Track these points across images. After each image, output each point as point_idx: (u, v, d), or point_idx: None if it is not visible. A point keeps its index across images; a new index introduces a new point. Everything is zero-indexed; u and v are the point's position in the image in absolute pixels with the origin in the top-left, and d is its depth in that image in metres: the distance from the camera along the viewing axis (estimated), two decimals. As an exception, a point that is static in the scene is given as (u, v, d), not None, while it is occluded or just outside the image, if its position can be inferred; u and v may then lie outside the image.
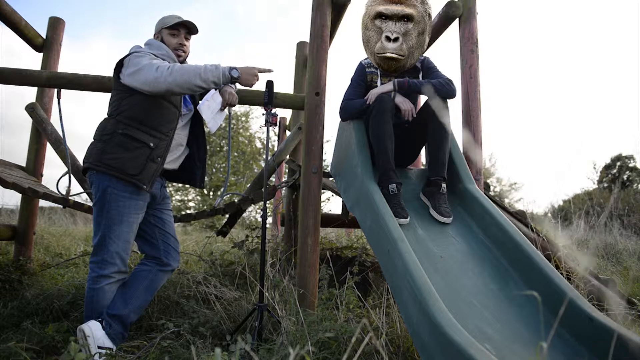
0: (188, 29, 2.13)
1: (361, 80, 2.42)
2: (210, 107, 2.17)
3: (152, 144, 1.96)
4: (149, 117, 1.97)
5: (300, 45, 4.19)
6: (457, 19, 2.85)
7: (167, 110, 2.02)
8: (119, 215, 1.92)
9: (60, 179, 2.78)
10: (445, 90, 2.22)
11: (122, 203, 1.92)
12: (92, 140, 2.02)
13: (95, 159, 1.94)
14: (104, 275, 1.91)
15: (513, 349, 1.37)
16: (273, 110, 2.26)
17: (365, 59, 2.50)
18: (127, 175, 1.91)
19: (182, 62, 2.15)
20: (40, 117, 3.42)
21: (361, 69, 2.45)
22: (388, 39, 2.29)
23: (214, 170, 15.27)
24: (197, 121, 2.25)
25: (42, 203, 4.33)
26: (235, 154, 15.27)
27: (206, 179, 15.72)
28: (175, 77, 1.86)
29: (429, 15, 2.38)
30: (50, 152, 3.53)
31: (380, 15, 2.33)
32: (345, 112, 2.39)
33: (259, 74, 2.02)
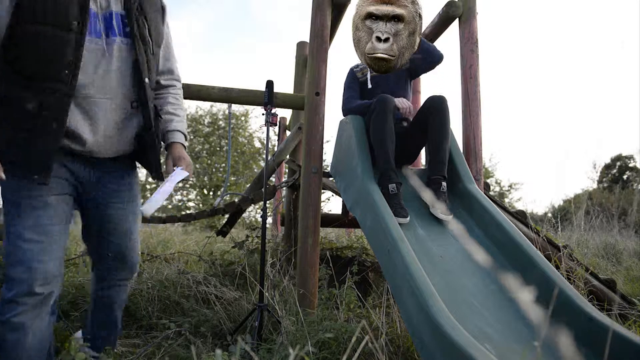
0: None
1: (354, 83, 2.53)
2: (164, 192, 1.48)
3: (30, 106, 1.21)
4: (26, 60, 1.23)
5: (300, 45, 4.18)
6: (457, 19, 2.85)
7: (51, 41, 1.21)
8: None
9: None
10: (436, 53, 2.45)
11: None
12: None
13: None
14: None
15: (513, 349, 1.37)
16: (273, 110, 2.26)
17: (355, 66, 2.59)
18: (11, 165, 1.24)
19: None
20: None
21: (352, 74, 2.56)
22: (379, 39, 2.29)
23: (213, 170, 15.27)
24: (137, 71, 1.40)
25: (42, 203, 4.31)
26: (235, 153, 15.27)
27: (206, 179, 15.75)
28: None
29: (420, 16, 2.39)
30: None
31: (370, 16, 2.33)
32: (347, 107, 2.47)
33: None
